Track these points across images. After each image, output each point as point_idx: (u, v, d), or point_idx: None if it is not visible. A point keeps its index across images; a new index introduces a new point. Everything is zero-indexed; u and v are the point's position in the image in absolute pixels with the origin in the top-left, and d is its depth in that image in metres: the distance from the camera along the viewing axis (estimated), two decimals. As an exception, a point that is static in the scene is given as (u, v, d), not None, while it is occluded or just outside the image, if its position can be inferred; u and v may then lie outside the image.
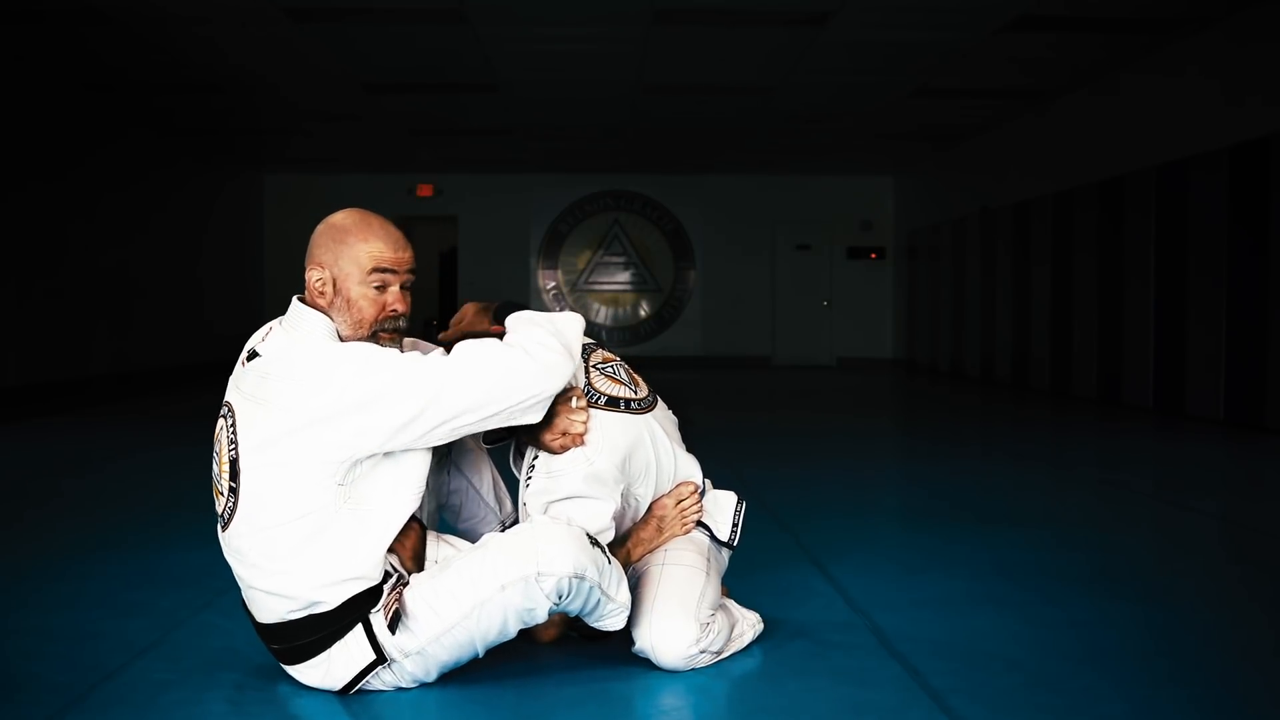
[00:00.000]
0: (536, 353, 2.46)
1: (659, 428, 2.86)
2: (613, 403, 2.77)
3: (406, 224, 18.38)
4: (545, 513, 2.64)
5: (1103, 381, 10.44)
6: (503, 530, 2.93)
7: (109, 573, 3.68)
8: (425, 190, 17.34)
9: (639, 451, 2.77)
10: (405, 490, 2.45)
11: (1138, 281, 9.72)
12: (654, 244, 17.71)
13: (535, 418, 2.49)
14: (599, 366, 2.82)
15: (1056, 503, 5.35)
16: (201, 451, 7.22)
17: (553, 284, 17.67)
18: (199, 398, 11.29)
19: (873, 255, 17.66)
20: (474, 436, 2.86)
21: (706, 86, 11.05)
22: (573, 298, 17.60)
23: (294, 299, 2.54)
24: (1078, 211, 10.96)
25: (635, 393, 2.82)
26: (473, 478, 2.90)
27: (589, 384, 2.77)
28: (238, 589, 2.61)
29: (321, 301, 2.49)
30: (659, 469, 2.85)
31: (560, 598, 2.40)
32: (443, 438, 2.43)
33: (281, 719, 2.40)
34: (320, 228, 2.53)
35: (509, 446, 2.89)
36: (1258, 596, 3.55)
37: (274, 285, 16.92)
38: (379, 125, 13.15)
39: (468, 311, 2.79)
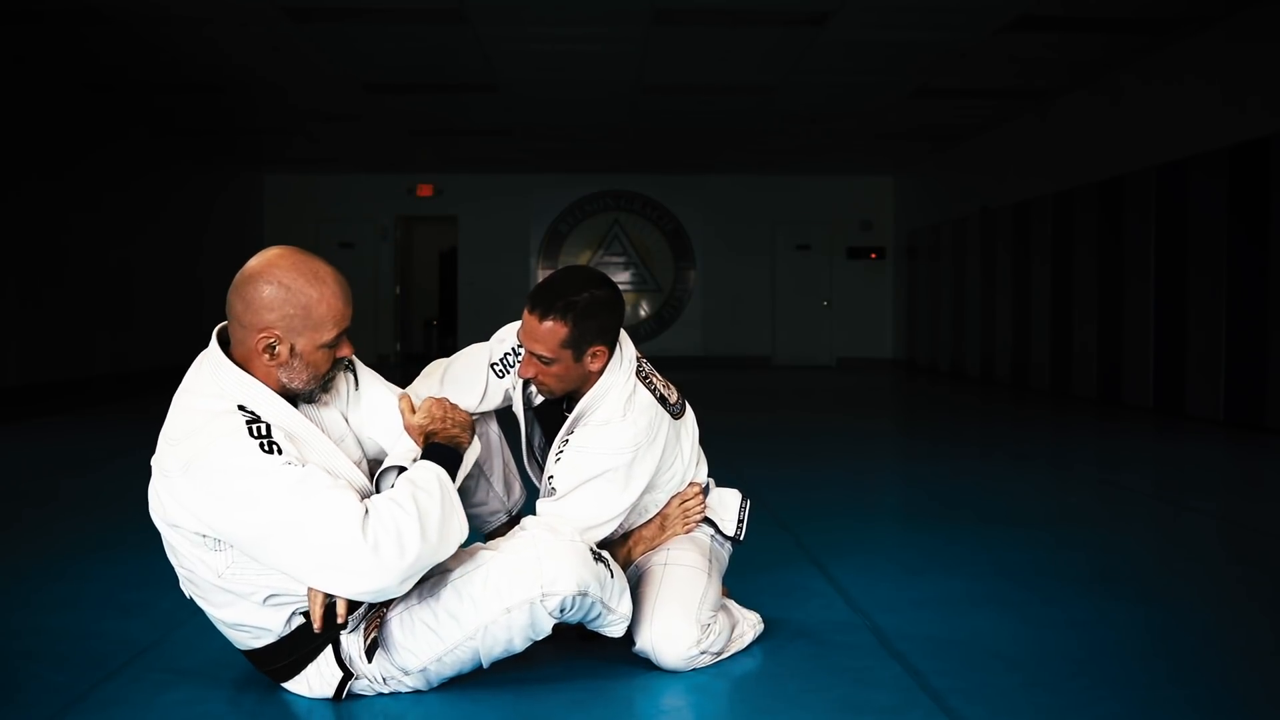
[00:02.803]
0: (388, 552, 2.21)
1: (686, 436, 2.86)
2: (661, 400, 2.77)
3: (407, 224, 18.43)
4: (570, 494, 2.63)
5: (1103, 381, 10.43)
6: (509, 519, 2.92)
7: (109, 573, 3.68)
8: (425, 190, 17.33)
9: (667, 454, 2.78)
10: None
11: (1138, 281, 9.72)
12: (654, 244, 17.71)
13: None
14: (637, 359, 2.82)
15: (1056, 503, 5.35)
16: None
17: (553, 284, 17.65)
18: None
19: (873, 255, 17.66)
20: (488, 420, 2.87)
21: (706, 86, 11.05)
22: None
23: (213, 340, 2.40)
24: (1078, 211, 10.96)
25: (670, 396, 2.83)
26: (484, 464, 2.88)
27: (646, 374, 2.77)
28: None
29: (261, 360, 2.35)
30: (682, 476, 2.86)
31: (563, 613, 2.38)
32: (271, 568, 2.30)
33: (281, 719, 2.40)
34: (264, 288, 2.32)
35: (518, 436, 2.89)
36: (1257, 596, 3.55)
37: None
38: (379, 125, 13.15)
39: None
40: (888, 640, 2.91)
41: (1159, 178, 9.39)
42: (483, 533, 2.93)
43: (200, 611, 3.13)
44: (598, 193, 17.59)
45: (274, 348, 2.34)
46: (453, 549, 2.34)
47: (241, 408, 2.30)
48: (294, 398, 2.42)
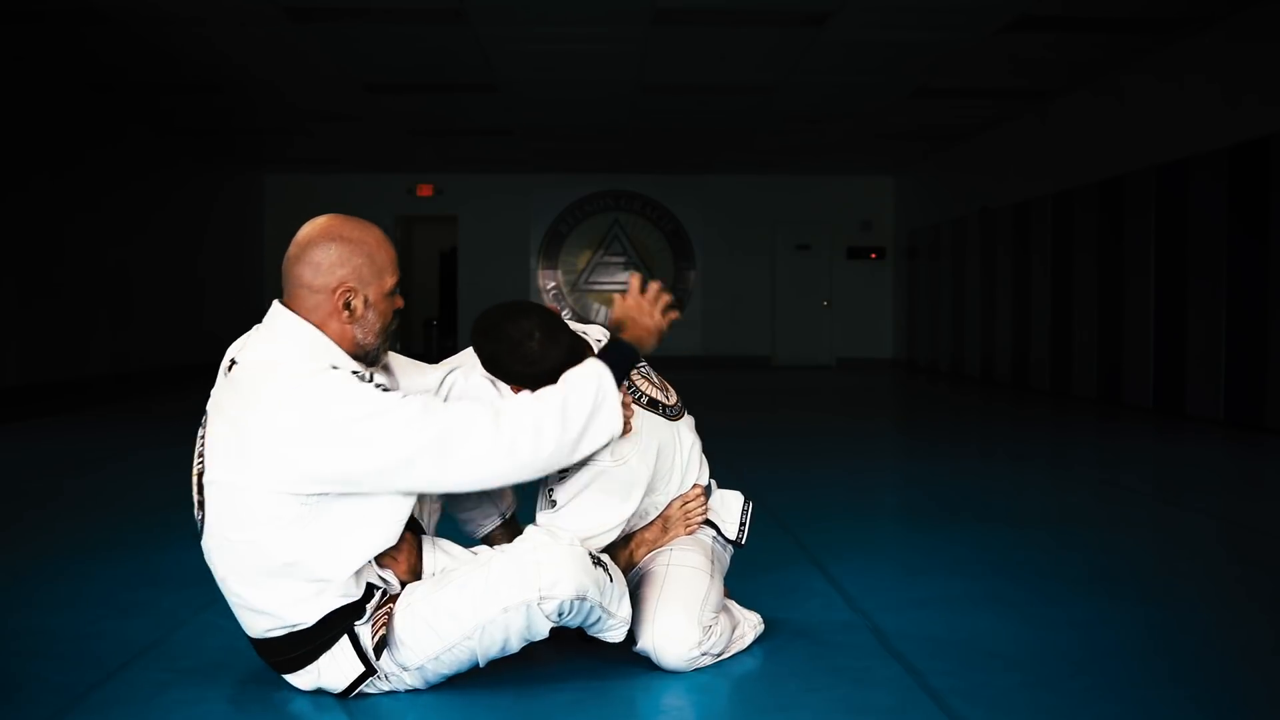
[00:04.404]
0: (524, 454, 2.34)
1: (687, 436, 2.86)
2: (652, 404, 2.76)
3: (407, 224, 18.44)
4: (568, 505, 2.62)
5: (1103, 381, 10.44)
6: (502, 522, 2.92)
7: (109, 573, 3.68)
8: (425, 190, 17.34)
9: (663, 458, 2.77)
10: (379, 526, 2.37)
11: (1138, 281, 9.72)
12: (654, 244, 17.71)
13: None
14: (637, 366, 2.81)
15: (1056, 503, 5.35)
16: (201, 451, 7.18)
17: (553, 284, 17.68)
18: (198, 398, 11.26)
19: (873, 255, 17.66)
20: None
21: (706, 86, 11.05)
22: (572, 298, 17.61)
23: (278, 306, 2.45)
24: (1078, 211, 10.96)
25: (668, 399, 2.82)
26: None
27: (631, 381, 2.76)
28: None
29: (339, 319, 2.41)
30: (682, 478, 2.85)
31: (561, 616, 2.39)
32: (403, 493, 2.36)
33: (282, 718, 2.40)
34: (331, 247, 2.41)
35: None
36: (1258, 596, 3.55)
37: (274, 286, 16.87)
38: (379, 125, 13.15)
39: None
40: (888, 640, 2.91)
41: (1159, 178, 9.39)
42: (475, 537, 2.93)
43: (201, 611, 3.14)
44: (598, 193, 17.59)
45: (350, 302, 2.41)
46: (596, 445, 2.43)
47: (335, 368, 2.36)
48: (362, 361, 2.48)
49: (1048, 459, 7.06)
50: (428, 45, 9.43)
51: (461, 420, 2.32)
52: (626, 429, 2.53)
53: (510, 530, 2.92)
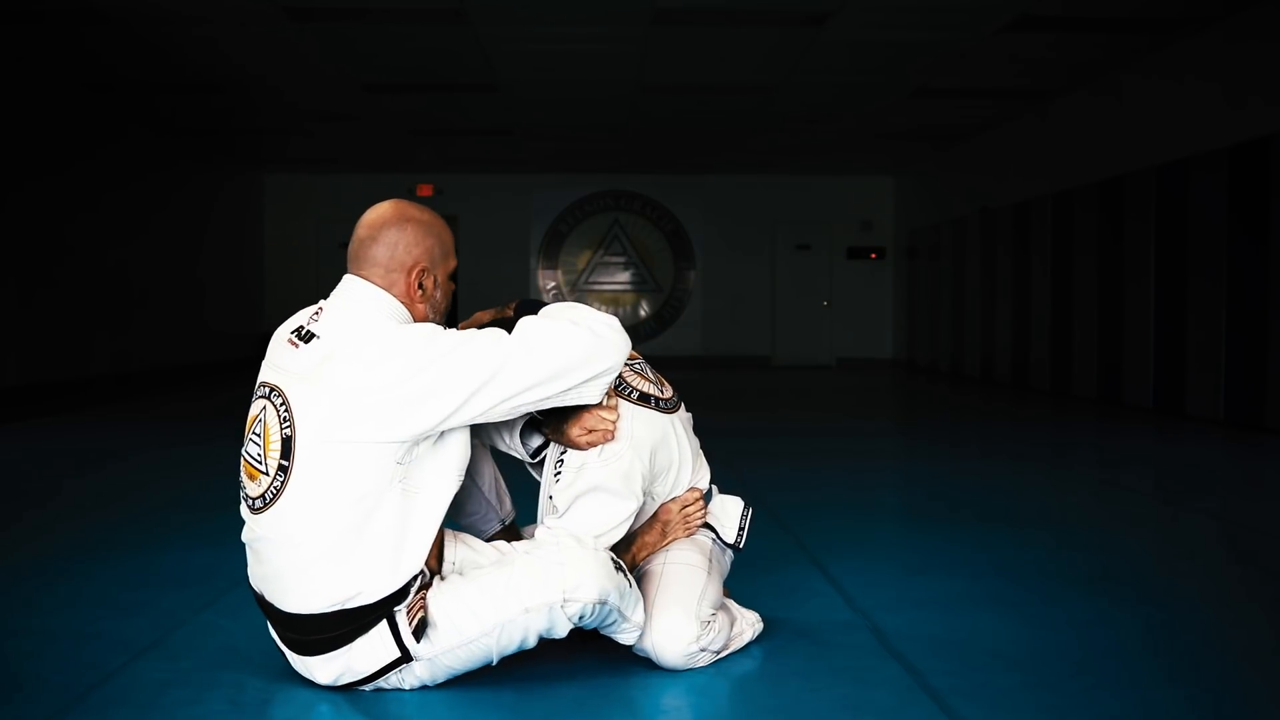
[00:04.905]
0: (599, 330, 2.50)
1: (682, 429, 2.86)
2: (644, 399, 2.77)
3: (406, 224, 18.42)
4: (571, 506, 2.63)
5: (1103, 382, 10.44)
6: (502, 527, 2.93)
7: (109, 573, 3.68)
8: (425, 190, 17.33)
9: (663, 450, 2.77)
10: (447, 475, 2.47)
11: (1138, 281, 9.72)
12: (654, 244, 17.71)
13: (596, 396, 2.53)
14: (629, 362, 2.82)
15: (1056, 503, 5.35)
16: (203, 451, 7.19)
17: (553, 284, 17.68)
18: (199, 398, 11.28)
19: (873, 255, 17.66)
20: (480, 436, 2.87)
21: (706, 86, 11.05)
22: (573, 298, 17.58)
23: (353, 279, 2.51)
24: (1078, 211, 10.96)
25: (662, 392, 2.83)
26: (474, 475, 2.89)
27: (621, 377, 2.77)
28: (239, 588, 2.60)
29: (414, 298, 2.52)
30: (679, 471, 2.85)
31: (582, 619, 2.43)
32: (506, 413, 2.46)
33: (282, 719, 2.40)
34: (407, 228, 2.52)
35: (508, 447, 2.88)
36: (1258, 596, 3.55)
37: (274, 285, 16.92)
38: (379, 125, 13.15)
39: (482, 318, 2.78)
40: (888, 640, 2.91)
41: (1159, 178, 9.39)
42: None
43: (201, 611, 3.14)
44: (598, 193, 17.60)
45: (422, 282, 2.52)
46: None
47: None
48: None
49: (1048, 459, 7.06)
50: (428, 45, 9.44)
51: (538, 323, 2.49)
52: (611, 436, 2.61)
53: (510, 535, 2.93)
